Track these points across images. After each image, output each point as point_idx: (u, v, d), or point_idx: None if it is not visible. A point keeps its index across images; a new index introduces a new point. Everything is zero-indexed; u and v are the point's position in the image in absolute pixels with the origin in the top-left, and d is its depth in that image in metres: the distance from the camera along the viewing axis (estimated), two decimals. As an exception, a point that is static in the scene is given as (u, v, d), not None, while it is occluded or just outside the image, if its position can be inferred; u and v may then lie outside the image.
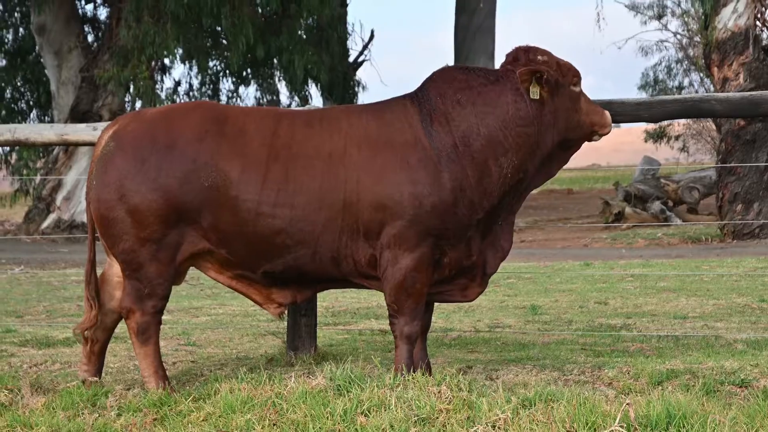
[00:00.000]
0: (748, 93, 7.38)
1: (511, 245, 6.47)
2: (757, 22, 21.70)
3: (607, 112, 6.43)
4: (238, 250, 6.21)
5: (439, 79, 6.36)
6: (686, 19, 39.69)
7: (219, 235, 6.18)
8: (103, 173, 6.23)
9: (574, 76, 6.31)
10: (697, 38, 36.94)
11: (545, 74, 6.16)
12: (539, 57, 6.29)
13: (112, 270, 6.48)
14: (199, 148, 6.15)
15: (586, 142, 6.51)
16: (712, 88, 26.47)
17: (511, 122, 6.16)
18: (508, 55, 6.39)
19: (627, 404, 5.10)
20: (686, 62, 40.75)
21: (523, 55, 6.31)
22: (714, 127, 36.33)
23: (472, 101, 6.21)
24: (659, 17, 40.30)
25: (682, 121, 38.08)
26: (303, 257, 6.17)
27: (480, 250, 6.31)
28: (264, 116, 6.35)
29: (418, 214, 6.04)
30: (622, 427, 4.96)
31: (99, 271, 6.57)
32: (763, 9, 21.80)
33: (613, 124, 6.56)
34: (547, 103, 6.21)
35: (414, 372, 5.97)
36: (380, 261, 6.14)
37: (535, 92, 6.16)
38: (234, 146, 6.16)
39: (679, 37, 40.86)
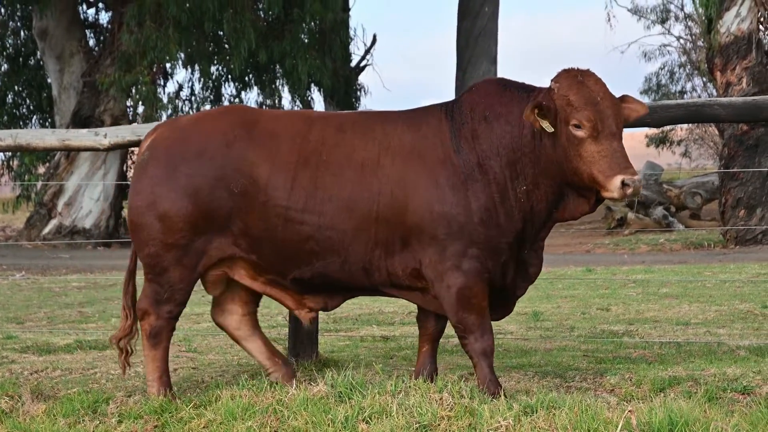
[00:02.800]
0: (752, 98, 7.36)
1: (539, 271, 6.30)
2: (761, 26, 21.70)
3: (618, 177, 5.67)
4: (267, 256, 6.19)
5: (476, 91, 6.19)
6: (689, 23, 39.68)
7: (249, 240, 6.17)
8: (137, 181, 6.29)
9: (573, 117, 5.77)
10: (700, 42, 36.95)
11: (542, 103, 5.81)
12: (552, 83, 5.92)
13: None
14: (227, 154, 6.15)
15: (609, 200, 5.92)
16: (714, 93, 26.49)
17: (522, 146, 5.97)
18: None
19: (629, 411, 5.10)
20: (689, 67, 40.72)
21: (556, 79, 5.93)
22: (717, 132, 36.31)
23: (496, 119, 6.01)
24: (662, 21, 40.26)
25: (684, 126, 38.06)
26: (332, 265, 6.12)
27: (513, 276, 6.19)
28: (295, 120, 6.32)
29: (449, 234, 5.93)
30: (624, 434, 4.95)
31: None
32: (767, 13, 21.77)
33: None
34: (547, 134, 5.89)
35: (501, 388, 5.97)
36: (428, 280, 6.04)
37: (547, 125, 5.82)
38: (263, 151, 6.14)
39: (682, 41, 40.85)
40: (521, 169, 5.98)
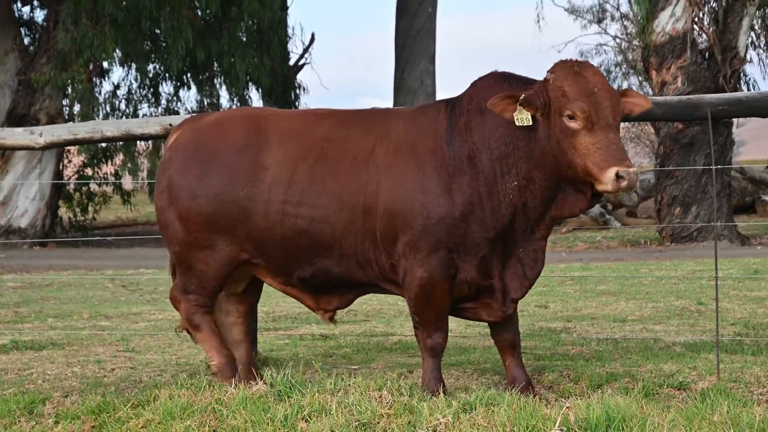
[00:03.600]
0: (686, 96, 7.43)
1: (538, 274, 6.10)
2: (695, 26, 21.92)
3: (612, 170, 5.51)
4: (271, 257, 6.29)
5: (478, 84, 6.12)
6: (625, 22, 40.09)
7: (254, 244, 6.27)
8: (158, 181, 6.52)
9: (567, 108, 5.64)
10: (636, 42, 37.31)
11: (520, 97, 5.70)
12: (547, 74, 5.81)
13: None
14: (238, 160, 6.27)
15: (608, 193, 5.77)
16: (650, 92, 26.73)
17: (514, 139, 5.86)
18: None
19: (567, 407, 5.13)
20: (625, 66, 41.14)
21: (552, 69, 5.83)
22: (652, 130, 36.69)
23: (491, 111, 5.82)
24: (599, 21, 40.66)
25: (621, 124, 38.43)
26: (328, 261, 6.17)
27: (500, 274, 6.04)
28: (305, 118, 6.41)
29: (426, 225, 5.89)
30: (562, 430, 4.99)
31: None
32: (701, 13, 22.01)
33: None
34: (542, 126, 5.77)
35: (442, 386, 5.99)
36: (399, 270, 6.05)
37: (521, 119, 5.72)
38: (270, 154, 6.23)
39: (618, 40, 41.25)
40: (513, 163, 5.88)
